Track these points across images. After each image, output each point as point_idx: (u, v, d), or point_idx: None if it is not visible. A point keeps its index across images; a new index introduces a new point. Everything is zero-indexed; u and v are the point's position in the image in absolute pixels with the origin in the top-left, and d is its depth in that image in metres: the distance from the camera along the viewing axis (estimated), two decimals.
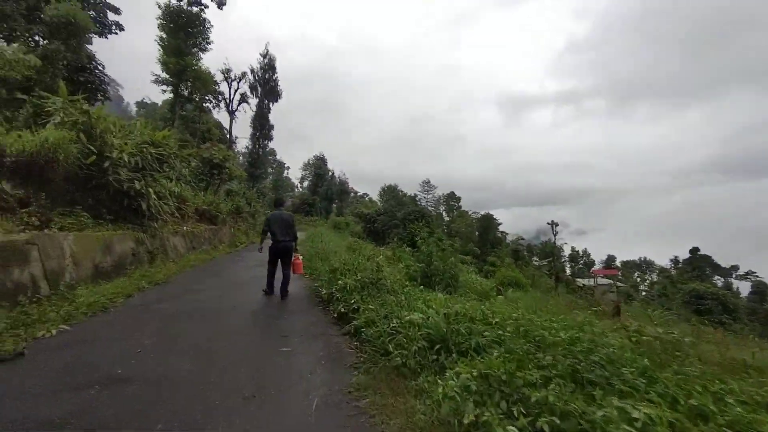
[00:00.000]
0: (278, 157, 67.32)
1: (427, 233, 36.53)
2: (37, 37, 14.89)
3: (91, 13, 23.22)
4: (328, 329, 4.59)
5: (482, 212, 78.25)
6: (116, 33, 25.26)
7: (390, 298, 4.64)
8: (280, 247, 6.29)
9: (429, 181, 63.09)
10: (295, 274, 6.60)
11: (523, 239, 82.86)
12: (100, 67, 22.35)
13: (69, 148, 6.95)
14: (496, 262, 51.81)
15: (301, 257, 6.82)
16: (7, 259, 4.17)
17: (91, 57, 22.36)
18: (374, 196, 69.96)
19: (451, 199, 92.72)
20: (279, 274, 6.38)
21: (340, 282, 5.53)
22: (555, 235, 59.33)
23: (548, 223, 58.61)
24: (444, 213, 79.30)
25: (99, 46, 27.64)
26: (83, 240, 5.82)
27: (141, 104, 59.73)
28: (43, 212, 6.44)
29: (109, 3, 23.02)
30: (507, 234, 74.47)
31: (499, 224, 75.55)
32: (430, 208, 61.21)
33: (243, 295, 6.29)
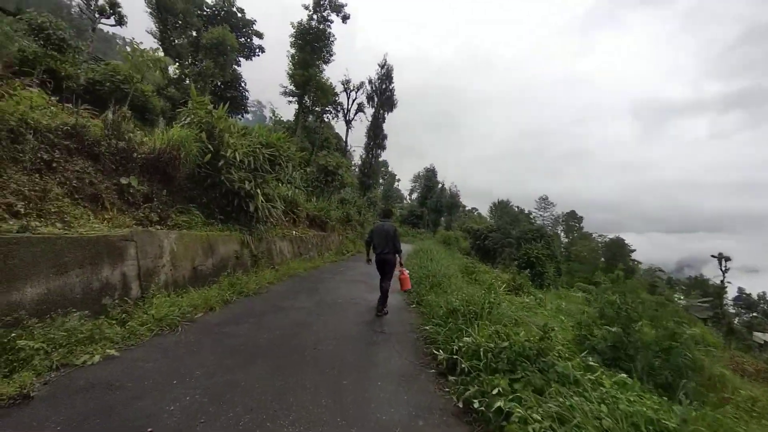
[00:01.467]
0: (390, 168, 69.34)
1: (547, 256, 31.67)
2: (197, 60, 17.77)
3: (242, 39, 27.29)
4: None
5: (610, 236, 66.65)
6: (258, 55, 29.23)
7: (569, 397, 2.56)
8: (380, 259, 6.20)
9: (547, 198, 56.47)
10: (403, 290, 6.40)
11: (661, 270, 67.69)
12: (243, 85, 25.88)
13: (190, 146, 7.14)
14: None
15: (407, 271, 6.39)
16: (99, 256, 3.88)
17: (237, 77, 26.11)
18: (483, 211, 66.12)
19: (572, 218, 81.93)
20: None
21: (466, 340, 3.82)
22: (725, 271, 45.34)
23: (713, 256, 45.43)
24: (562, 233, 70.07)
25: (247, 68, 32.29)
26: (186, 239, 5.61)
27: (278, 122, 69.20)
28: (163, 208, 6.63)
29: (255, 29, 26.67)
30: (640, 263, 61.58)
31: (632, 251, 62.58)
32: (546, 227, 54.41)
33: (334, 323, 5.22)
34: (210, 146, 7.57)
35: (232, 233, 7.68)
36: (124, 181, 6.00)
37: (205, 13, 21.36)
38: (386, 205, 30.70)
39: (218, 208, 7.94)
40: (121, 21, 16.51)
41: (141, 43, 11.69)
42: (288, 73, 22.48)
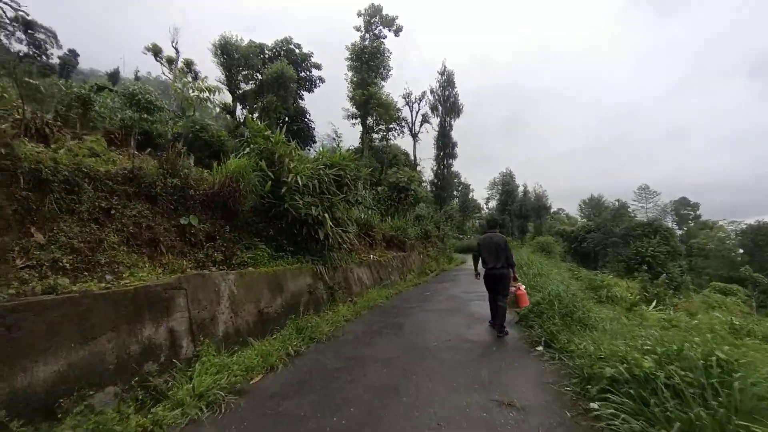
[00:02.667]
0: (463, 179, 66.83)
1: (666, 253, 26.27)
2: (260, 98, 18.72)
3: (302, 73, 28.68)
4: None
5: (747, 221, 54.47)
6: (319, 86, 30.37)
7: None
8: (491, 275, 5.78)
9: (648, 187, 48.28)
10: (520, 307, 5.80)
11: None
12: (308, 116, 26.84)
13: (249, 176, 6.69)
14: None
15: (523, 286, 5.88)
16: (139, 312, 3.22)
17: (301, 110, 27.24)
18: (571, 211, 59.44)
19: (684, 206, 69.14)
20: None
21: None
22: None
23: None
24: (674, 225, 59.61)
25: (310, 101, 33.73)
26: (247, 278, 4.94)
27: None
28: (227, 246, 6.16)
29: (313, 62, 27.81)
30: None
31: None
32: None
33: (430, 389, 3.54)
34: (270, 173, 7.07)
35: (303, 265, 6.99)
36: (183, 221, 5.62)
37: (266, 55, 22.77)
38: (490, 215, 28.55)
39: (287, 239, 7.36)
40: (196, 77, 18.12)
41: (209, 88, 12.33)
42: (348, 96, 22.67)
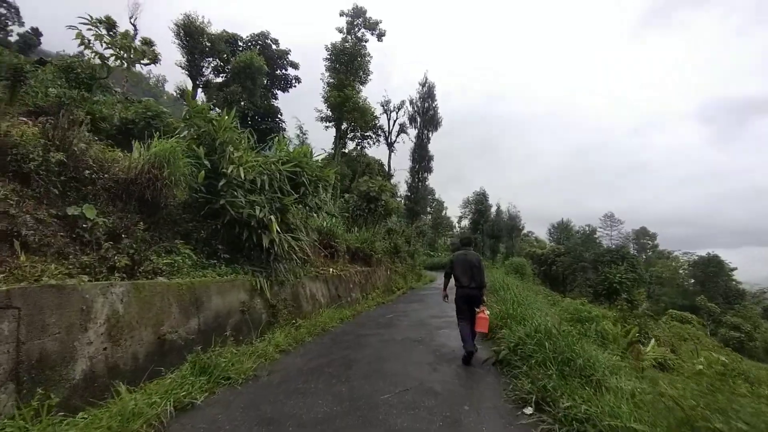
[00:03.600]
0: (437, 196, 66.98)
1: (633, 280, 26.58)
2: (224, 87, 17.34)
3: (278, 71, 27.47)
4: None
5: (699, 252, 57.88)
6: (295, 86, 29.22)
7: None
8: (465, 295, 5.48)
9: (613, 215, 50.20)
10: (477, 331, 5.31)
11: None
12: (279, 117, 25.56)
13: (179, 163, 5.45)
14: (741, 324, 35.28)
15: (487, 312, 5.48)
16: None
17: (273, 108, 25.94)
18: (540, 234, 60.90)
19: (643, 235, 73.25)
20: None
21: None
22: None
23: None
24: (634, 252, 62.87)
25: (284, 101, 32.33)
26: (147, 292, 3.70)
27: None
28: (139, 248, 4.87)
29: (290, 60, 26.72)
30: (740, 283, 52.73)
31: (732, 269, 53.83)
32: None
33: None
34: (207, 162, 5.86)
35: (239, 277, 5.77)
36: (72, 211, 4.31)
37: (239, 47, 21.49)
38: (462, 233, 27.82)
39: (223, 245, 6.13)
40: (155, 59, 16.54)
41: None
42: (323, 97, 21.68)
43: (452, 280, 5.69)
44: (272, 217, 6.19)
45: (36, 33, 42.79)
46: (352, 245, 13.36)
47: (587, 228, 45.34)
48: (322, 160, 8.42)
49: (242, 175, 5.92)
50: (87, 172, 4.42)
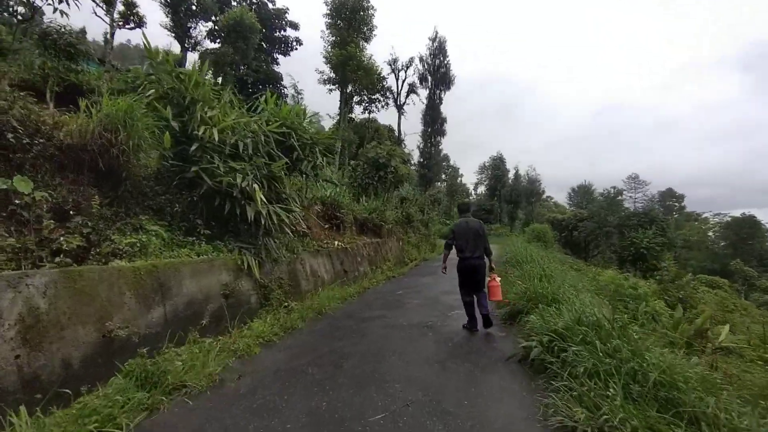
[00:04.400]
0: (452, 162, 65.02)
1: (662, 245, 25.07)
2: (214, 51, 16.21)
3: (277, 33, 25.91)
4: None
5: (732, 213, 55.14)
6: (296, 49, 27.62)
7: None
8: (469, 266, 5.14)
9: (637, 177, 47.55)
10: (491, 301, 5.27)
11: None
12: (280, 83, 24.33)
13: (140, 126, 4.64)
14: None
15: (498, 278, 5.37)
16: None
17: (274, 75, 24.66)
18: (559, 199, 58.80)
19: (669, 197, 70.26)
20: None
21: None
22: None
23: None
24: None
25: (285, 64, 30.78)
26: (86, 280, 3.02)
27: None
28: (97, 226, 4.19)
29: (289, 20, 25.05)
30: None
31: None
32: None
33: None
34: (175, 124, 5.04)
35: (220, 256, 5.08)
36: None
37: (232, 7, 20.08)
38: (461, 199, 26.85)
39: (203, 219, 5.41)
40: (140, 22, 15.49)
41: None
42: (324, 56, 20.27)
43: (453, 252, 5.38)
44: (256, 185, 5.39)
45: (33, 8, 41.56)
46: (360, 215, 12.60)
47: (612, 190, 43.23)
48: (303, 110, 7.46)
49: (216, 138, 5.09)
50: (10, 136, 3.65)
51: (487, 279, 5.22)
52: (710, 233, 58.79)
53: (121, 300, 3.34)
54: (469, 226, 5.23)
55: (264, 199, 5.45)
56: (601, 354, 2.93)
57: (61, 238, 3.77)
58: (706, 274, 34.50)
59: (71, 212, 4.05)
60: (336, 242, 9.87)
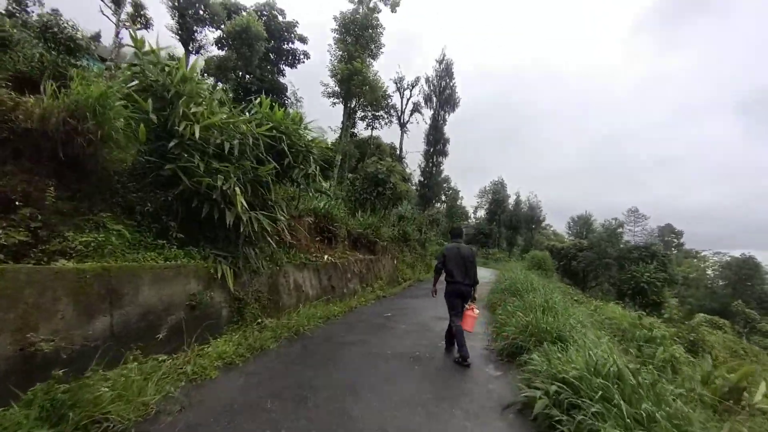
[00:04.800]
0: (452, 184, 65.05)
1: (663, 280, 24.49)
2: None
3: (285, 45, 26.14)
4: None
5: (732, 253, 54.45)
6: (304, 62, 27.85)
7: None
8: (458, 291, 5.08)
9: (637, 210, 47.25)
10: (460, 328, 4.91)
11: None
12: (286, 95, 24.35)
13: (107, 114, 4.26)
14: None
15: (477, 310, 5.10)
16: None
17: (279, 85, 24.73)
18: (558, 228, 58.40)
19: (669, 232, 69.94)
20: None
21: None
22: None
23: None
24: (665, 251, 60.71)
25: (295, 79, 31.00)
26: (11, 281, 2.55)
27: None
28: (50, 221, 3.77)
29: (298, 33, 25.29)
30: None
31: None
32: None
33: None
34: (153, 117, 4.67)
35: (191, 262, 4.61)
36: None
37: (242, 14, 20.25)
38: (454, 223, 26.48)
39: (177, 221, 4.98)
40: (147, 24, 15.48)
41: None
42: (329, 70, 20.27)
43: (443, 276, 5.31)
44: (237, 189, 4.98)
45: (56, 13, 42.27)
46: (355, 231, 12.16)
47: (613, 221, 42.93)
48: (300, 116, 7.14)
49: (197, 135, 4.71)
50: None
51: (467, 308, 5.06)
52: (709, 271, 58.28)
53: (53, 307, 2.86)
54: (461, 252, 5.16)
55: (245, 204, 5.03)
56: (628, 420, 2.34)
57: (14, 231, 3.35)
58: (705, 312, 33.77)
59: (18, 203, 3.63)
60: (326, 256, 9.40)
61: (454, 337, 4.94)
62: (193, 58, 16.18)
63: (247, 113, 6.51)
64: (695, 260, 63.12)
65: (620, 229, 42.21)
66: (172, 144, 4.69)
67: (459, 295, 5.04)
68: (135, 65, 5.19)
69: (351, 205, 16.22)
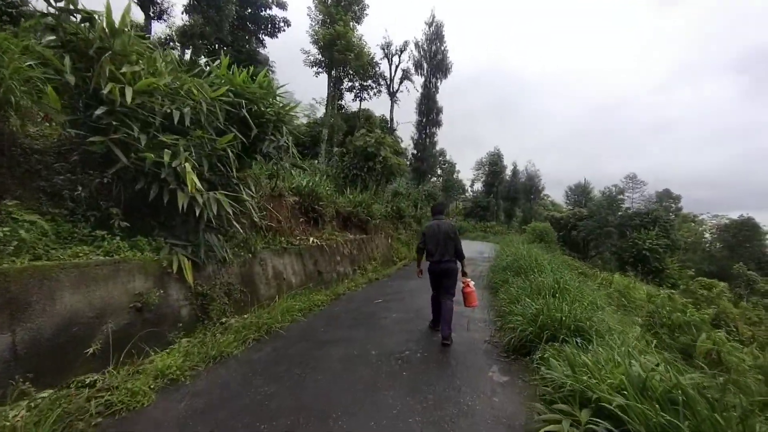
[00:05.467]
0: (448, 157, 63.85)
1: (666, 247, 24.13)
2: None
3: (263, 12, 24.46)
4: None
5: (730, 216, 54.63)
6: (284, 30, 26.19)
7: None
8: (438, 270, 4.94)
9: (635, 176, 46.54)
10: (468, 307, 4.95)
11: None
12: (268, 67, 22.95)
13: (2, 74, 3.42)
14: None
15: (472, 282, 4.99)
16: None
17: (256, 56, 23.31)
18: (555, 198, 57.95)
19: (666, 197, 70.30)
20: None
21: None
22: None
23: None
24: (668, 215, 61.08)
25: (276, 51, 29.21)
26: None
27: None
28: None
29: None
30: None
31: (767, 234, 50.85)
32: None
33: None
34: (71, 78, 3.81)
35: (136, 256, 3.88)
36: None
37: None
38: (436, 200, 25.71)
39: (121, 207, 4.23)
40: None
41: None
42: (310, 35, 18.89)
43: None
44: (188, 164, 4.19)
45: None
46: (344, 209, 11.43)
47: (613, 189, 42.28)
48: (269, 80, 6.22)
49: (129, 99, 3.86)
50: None
51: (460, 285, 4.92)
52: (707, 234, 58.65)
53: None
54: (440, 228, 5.02)
55: (198, 183, 4.24)
56: None
57: None
58: (703, 276, 33.84)
59: None
60: (311, 239, 8.71)
61: (437, 309, 4.91)
62: (156, 25, 14.84)
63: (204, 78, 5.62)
64: (693, 224, 63.34)
65: (621, 196, 41.69)
66: (99, 112, 3.85)
67: (438, 274, 4.91)
68: (47, 15, 4.25)
69: (340, 182, 15.41)
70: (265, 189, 7.91)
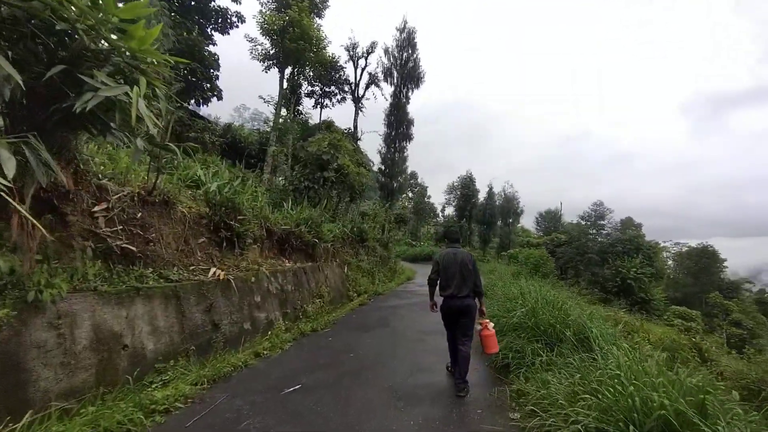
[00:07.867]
0: (419, 180, 62.47)
1: (651, 276, 22.93)
2: None
3: (212, 3, 22.04)
4: None
5: (686, 243, 58.30)
6: (238, 26, 23.73)
7: None
8: (453, 307, 4.50)
9: (602, 203, 46.99)
10: (487, 354, 4.65)
11: (750, 282, 58.97)
12: (216, 60, 20.35)
13: None
14: (742, 320, 33.96)
15: (491, 324, 4.56)
16: None
17: (198, 52, 20.66)
18: (525, 224, 58.31)
19: (630, 225, 74.00)
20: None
21: None
22: None
23: None
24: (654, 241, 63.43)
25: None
26: None
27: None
28: None
29: None
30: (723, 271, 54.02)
31: (723, 261, 53.75)
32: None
33: None
34: None
35: None
36: None
37: None
38: (448, 227, 23.30)
39: None
40: None
41: None
42: (258, 22, 16.46)
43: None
44: None
45: None
46: (279, 228, 8.63)
47: (593, 212, 41.66)
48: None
49: None
50: None
51: (477, 327, 4.51)
52: (670, 262, 60.83)
53: None
54: (457, 259, 4.51)
55: None
56: None
57: None
58: (670, 303, 33.18)
59: None
60: (213, 269, 5.91)
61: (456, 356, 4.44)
62: None
63: None
64: (657, 252, 65.43)
65: (601, 221, 41.20)
66: None
67: (453, 311, 4.48)
68: None
69: (290, 195, 12.68)
70: (133, 188, 5.12)
